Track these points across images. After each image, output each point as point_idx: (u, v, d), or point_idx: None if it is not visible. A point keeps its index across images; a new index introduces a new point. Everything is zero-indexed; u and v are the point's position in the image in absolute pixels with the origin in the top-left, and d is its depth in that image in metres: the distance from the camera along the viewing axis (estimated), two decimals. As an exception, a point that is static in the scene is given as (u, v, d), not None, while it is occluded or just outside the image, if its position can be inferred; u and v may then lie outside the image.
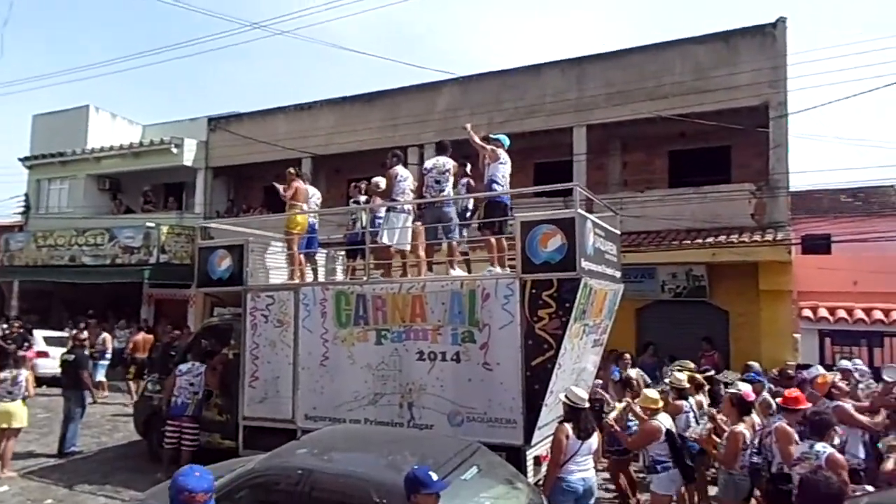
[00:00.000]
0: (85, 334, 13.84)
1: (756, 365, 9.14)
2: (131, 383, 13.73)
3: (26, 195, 22.02)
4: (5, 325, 15.91)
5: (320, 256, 9.53)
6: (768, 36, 12.22)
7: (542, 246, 6.21)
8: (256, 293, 8.01)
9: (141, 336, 14.29)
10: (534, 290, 6.23)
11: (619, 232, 8.23)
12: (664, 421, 5.80)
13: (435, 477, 3.45)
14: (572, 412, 5.36)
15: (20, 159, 21.94)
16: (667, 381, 7.33)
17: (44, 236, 19.44)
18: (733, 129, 12.13)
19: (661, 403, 6.00)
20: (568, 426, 5.30)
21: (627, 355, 9.67)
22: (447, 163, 7.83)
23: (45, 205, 21.77)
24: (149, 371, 10.95)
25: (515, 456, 6.04)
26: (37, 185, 21.92)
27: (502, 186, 7.51)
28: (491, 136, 8.11)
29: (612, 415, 6.51)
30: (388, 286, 7.17)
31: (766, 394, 7.02)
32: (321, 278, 9.02)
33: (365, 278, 7.56)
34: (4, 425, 8.16)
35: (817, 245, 11.38)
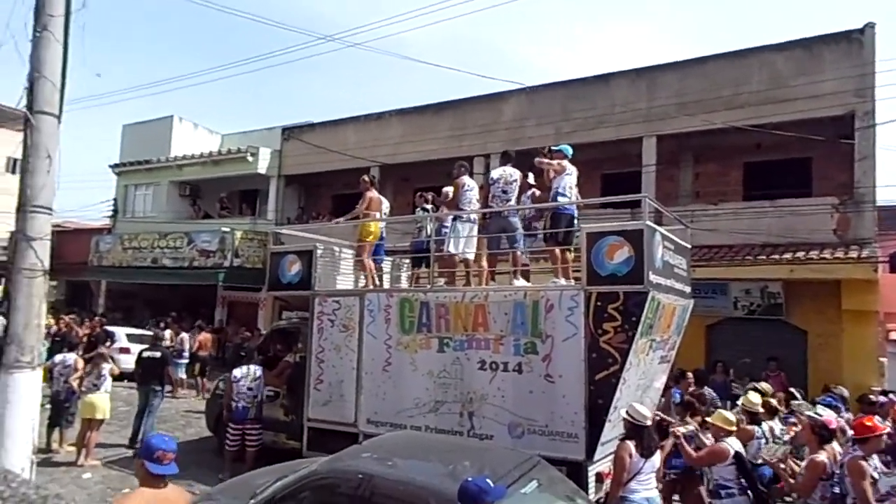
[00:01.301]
0: (168, 333, 14.66)
1: (843, 390, 8.64)
2: (199, 379, 14.40)
3: (115, 200, 23.45)
4: (88, 321, 16.91)
5: (385, 264, 9.69)
6: (854, 42, 11.61)
7: (609, 258, 6.10)
8: (324, 298, 8.22)
9: (203, 335, 14.98)
10: (599, 303, 6.13)
11: (689, 245, 7.98)
12: (733, 444, 5.55)
13: (492, 484, 3.44)
14: (634, 430, 5.22)
15: (110, 166, 23.43)
16: (739, 402, 7.02)
17: (129, 239, 20.65)
18: (814, 140, 11.57)
19: (734, 427, 5.74)
20: (630, 444, 5.16)
21: (690, 375, 9.33)
22: (514, 173, 7.83)
23: (132, 209, 23.13)
24: (219, 369, 11.40)
25: (577, 471, 5.93)
26: (124, 191, 23.31)
27: (568, 198, 7.45)
28: (553, 147, 8.06)
29: (680, 429, 6.27)
30: (452, 294, 7.21)
31: (842, 420, 6.61)
32: (386, 285, 9.17)
33: (429, 286, 7.63)
34: (89, 416, 8.66)
35: (906, 263, 10.67)
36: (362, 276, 9.02)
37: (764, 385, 8.06)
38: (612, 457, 5.75)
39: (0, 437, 5.26)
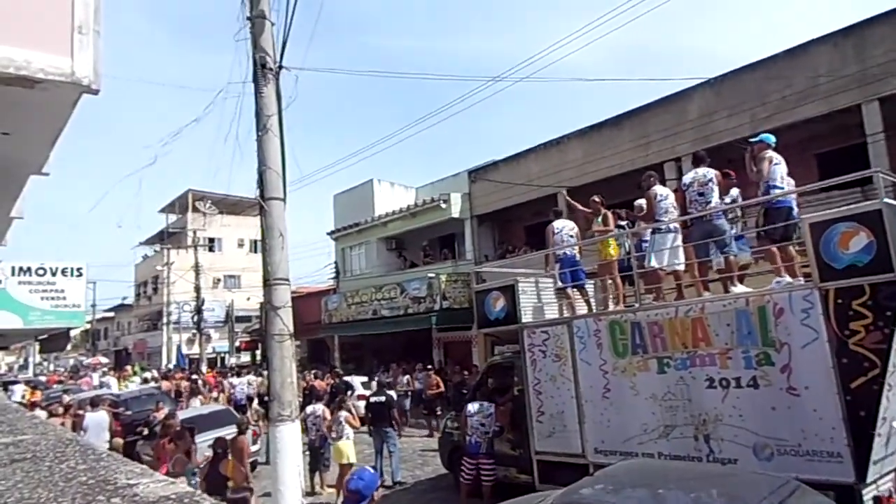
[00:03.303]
0: (406, 378, 15.93)
1: None
2: (431, 419, 15.26)
3: (336, 262, 26.28)
4: (329, 375, 18.92)
5: (589, 287, 9.53)
6: None
7: (843, 248, 5.39)
8: (532, 330, 8.33)
9: (434, 377, 15.95)
10: (840, 301, 5.41)
11: (948, 217, 6.71)
12: None
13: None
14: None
15: (328, 233, 26.41)
16: None
17: (351, 295, 22.92)
18: None
19: None
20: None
21: None
22: (708, 173, 7.31)
23: (350, 268, 25.73)
24: (445, 409, 11.98)
25: (848, 496, 5.20)
26: (342, 253, 26.05)
27: (782, 189, 6.73)
28: (751, 139, 7.37)
29: None
30: (664, 311, 6.87)
31: None
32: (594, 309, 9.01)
33: (637, 304, 7.35)
34: (338, 461, 9.63)
35: None
36: (566, 304, 8.99)
37: None
38: (892, 477, 4.95)
39: (274, 483, 6.11)
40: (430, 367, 17.50)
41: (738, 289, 6.80)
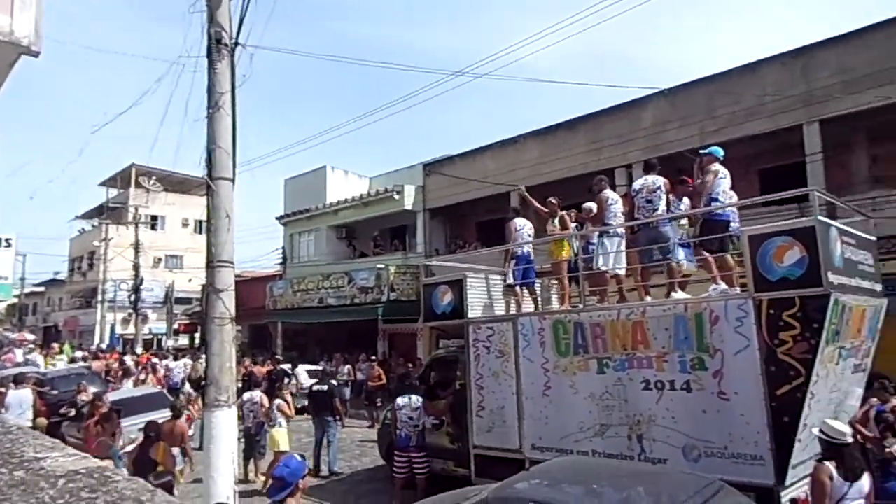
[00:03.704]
0: (347, 368, 15.80)
1: None
2: (371, 410, 15.20)
3: (283, 248, 25.80)
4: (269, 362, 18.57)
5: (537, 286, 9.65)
6: None
7: (778, 261, 5.61)
8: (477, 325, 8.37)
9: (377, 368, 15.91)
10: (771, 311, 5.64)
11: (874, 238, 7.09)
12: None
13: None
14: (832, 449, 4.66)
15: (277, 218, 25.87)
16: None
17: (298, 282, 22.55)
18: None
19: None
20: (830, 465, 4.61)
21: (886, 381, 8.00)
22: (657, 180, 7.50)
23: (298, 255, 25.29)
24: (386, 401, 11.95)
25: (767, 498, 5.45)
26: (290, 239, 25.58)
27: (722, 203, 6.96)
28: (701, 150, 7.60)
29: None
30: (606, 313, 7.01)
31: None
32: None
33: (581, 306, 7.49)
34: (273, 448, 9.48)
35: None
36: (513, 301, 9.08)
37: None
38: (808, 481, 5.20)
39: (207, 469, 5.95)
40: (373, 357, 17.40)
41: (679, 295, 7.01)
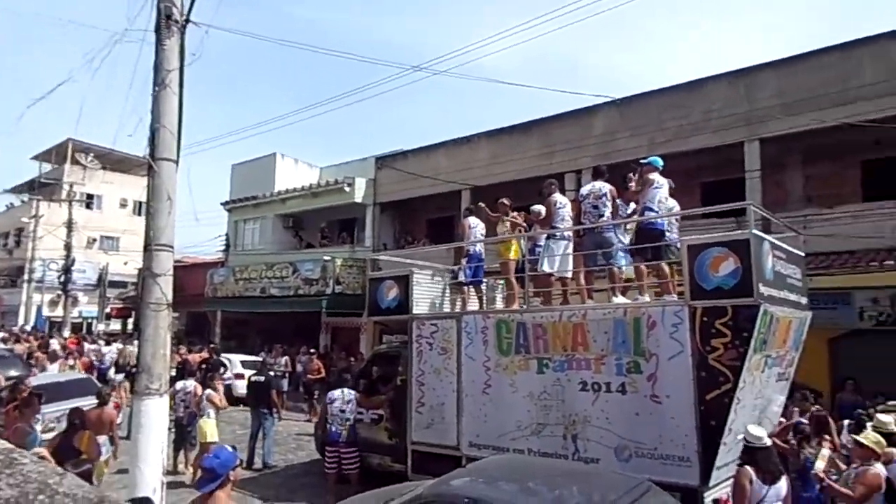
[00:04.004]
0: (285, 360, 15.51)
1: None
2: (311, 403, 14.99)
3: (227, 235, 25.12)
4: (206, 350, 18.06)
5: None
6: None
7: (713, 271, 5.82)
8: (422, 321, 8.36)
9: (316, 361, 15.69)
10: (705, 318, 5.85)
11: (803, 253, 7.46)
12: (881, 470, 5.01)
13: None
14: (751, 453, 4.86)
15: (221, 204, 25.17)
16: (869, 425, 6.39)
17: (240, 271, 21.99)
18: (944, 132, 10.51)
19: (884, 448, 5.18)
20: (750, 469, 4.82)
21: (807, 392, 8.51)
22: (604, 187, 7.67)
23: (242, 243, 24.67)
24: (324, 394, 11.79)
25: (692, 497, 5.65)
26: (235, 226, 24.92)
27: (656, 212, 7.19)
28: (642, 160, 7.84)
29: (819, 465, 5.75)
30: (549, 314, 7.12)
31: None
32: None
33: (525, 306, 7.58)
34: (201, 440, 9.19)
35: None
36: (459, 299, 9.12)
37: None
38: (731, 482, 5.42)
39: (134, 459, 5.73)
40: (312, 350, 17.17)
41: (619, 300, 7.18)
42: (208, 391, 9.49)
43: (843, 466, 5.74)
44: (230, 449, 3.75)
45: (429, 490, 4.73)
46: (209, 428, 9.19)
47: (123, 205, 39.96)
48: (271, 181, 23.42)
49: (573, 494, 4.15)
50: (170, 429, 8.01)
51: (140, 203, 34.78)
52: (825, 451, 5.99)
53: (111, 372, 13.86)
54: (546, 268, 7.83)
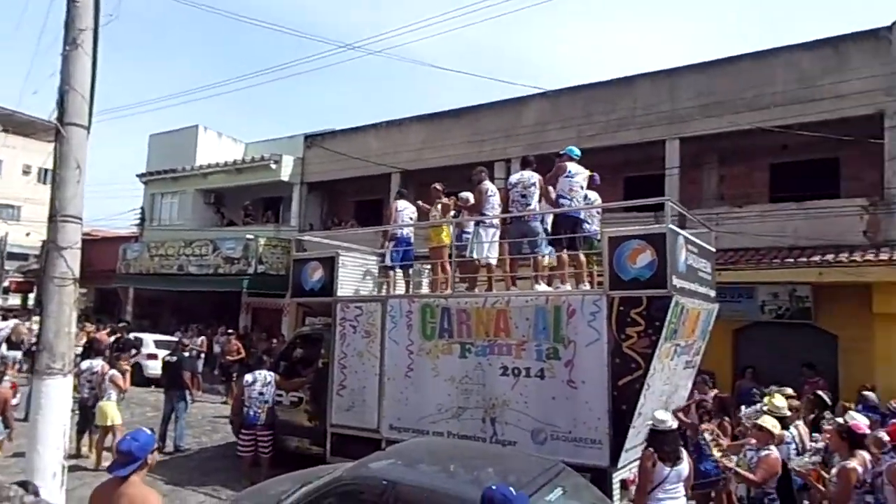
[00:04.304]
0: (201, 340, 14.94)
1: (871, 395, 8.43)
2: (228, 385, 14.56)
3: (142, 208, 23.87)
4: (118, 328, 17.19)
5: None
6: (883, 40, 11.36)
7: (631, 262, 6.05)
8: (346, 304, 8.27)
9: (234, 342, 15.30)
10: (622, 308, 6.08)
11: (713, 249, 7.87)
12: (776, 451, 5.40)
13: (515, 492, 3.41)
14: (656, 436, 5.11)
15: (137, 175, 23.87)
16: (763, 408, 6.86)
17: (156, 247, 20.98)
18: (842, 141, 11.32)
19: (778, 431, 5.58)
20: (654, 452, 5.06)
21: (706, 377, 9.15)
22: (532, 177, 7.79)
23: (158, 217, 23.53)
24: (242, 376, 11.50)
25: (601, 478, 5.87)
26: (151, 199, 23.73)
27: (570, 200, 7.39)
28: (560, 151, 8.04)
29: (731, 462, 6.06)
30: (473, 300, 7.20)
31: (881, 431, 6.41)
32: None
33: (450, 292, 7.63)
34: (101, 423, 8.78)
35: (942, 265, 10.35)
36: (385, 283, 9.06)
37: (787, 389, 7.84)
38: (637, 464, 5.68)
39: (32, 442, 5.37)
40: (231, 331, 16.67)
41: (542, 287, 7.35)
42: (112, 372, 9.03)
43: (724, 443, 6.30)
44: (148, 431, 3.57)
45: (348, 473, 4.70)
46: (110, 410, 8.78)
47: (27, 171, 37.10)
48: (192, 154, 22.38)
49: (490, 476, 4.23)
50: (73, 410, 7.58)
51: (46, 171, 32.46)
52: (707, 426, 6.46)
53: (3, 348, 12.90)
54: (475, 254, 7.90)
